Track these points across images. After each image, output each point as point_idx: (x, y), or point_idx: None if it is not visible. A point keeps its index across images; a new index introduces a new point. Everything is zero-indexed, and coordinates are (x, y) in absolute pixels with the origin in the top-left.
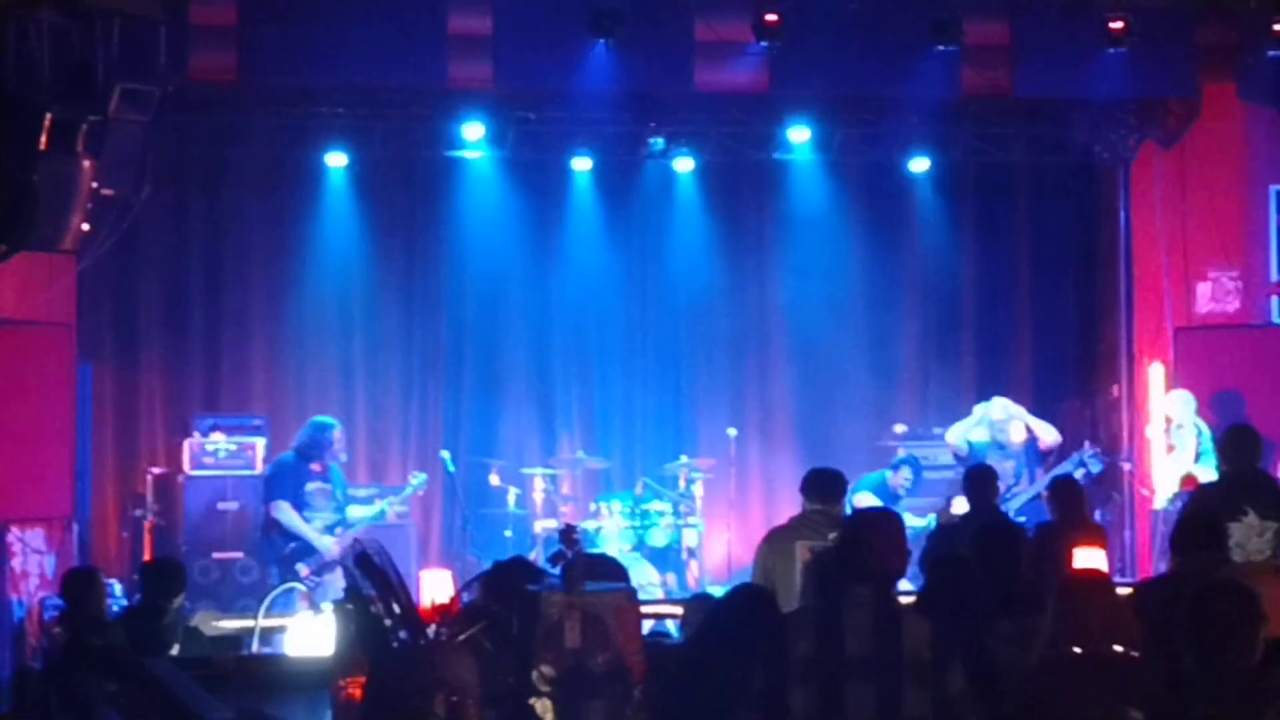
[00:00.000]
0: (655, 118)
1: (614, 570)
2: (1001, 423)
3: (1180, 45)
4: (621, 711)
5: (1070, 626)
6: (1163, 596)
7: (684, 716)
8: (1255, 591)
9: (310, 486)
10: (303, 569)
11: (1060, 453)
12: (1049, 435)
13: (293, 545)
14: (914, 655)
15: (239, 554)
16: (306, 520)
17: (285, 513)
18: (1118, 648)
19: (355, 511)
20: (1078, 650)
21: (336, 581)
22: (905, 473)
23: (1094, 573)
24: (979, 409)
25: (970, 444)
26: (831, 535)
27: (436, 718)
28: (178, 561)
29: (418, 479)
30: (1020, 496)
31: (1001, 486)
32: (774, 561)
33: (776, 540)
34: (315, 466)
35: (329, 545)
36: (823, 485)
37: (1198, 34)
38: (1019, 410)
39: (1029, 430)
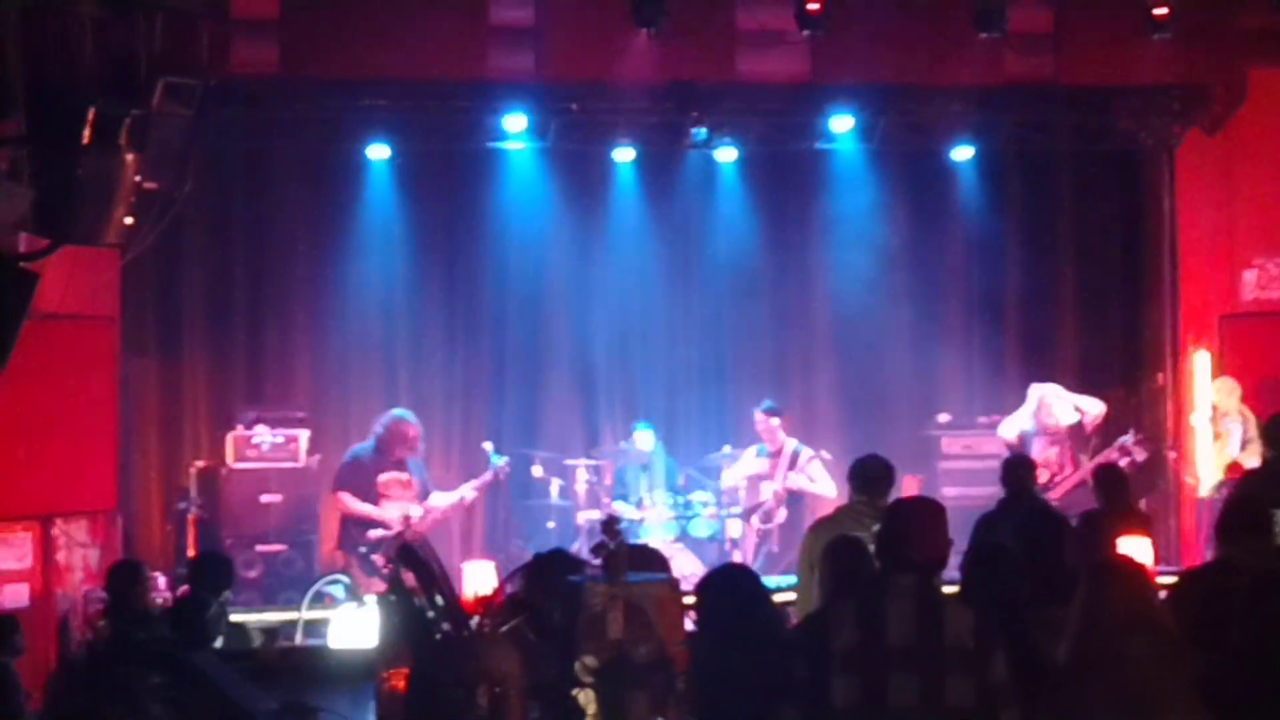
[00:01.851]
0: (697, 108)
1: (655, 560)
2: (1044, 407)
3: (1225, 31)
4: (665, 702)
5: (1096, 616)
6: (1210, 584)
7: (714, 705)
8: None
9: (383, 477)
10: (378, 559)
11: (1104, 441)
12: (1094, 407)
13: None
14: (957, 645)
15: (282, 546)
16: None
17: (343, 502)
18: (1146, 638)
19: (437, 500)
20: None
21: None
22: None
23: (1122, 559)
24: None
25: (1017, 434)
26: (876, 527)
27: (480, 709)
28: (225, 556)
29: (498, 458)
30: (1062, 485)
31: (1044, 475)
32: (818, 553)
33: (821, 531)
34: (389, 459)
35: (395, 518)
36: (869, 476)
37: (1242, 19)
38: (1062, 393)
39: (1078, 412)
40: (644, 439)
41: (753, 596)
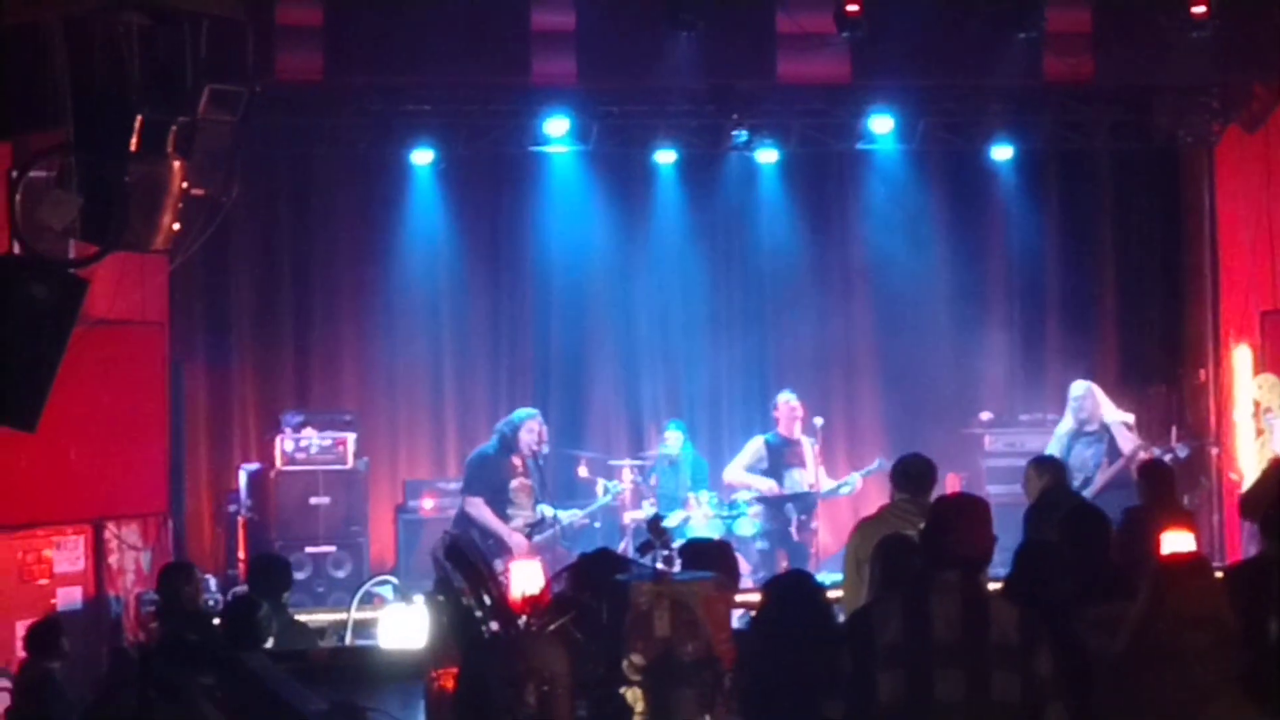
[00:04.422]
0: (738, 110)
1: (721, 556)
2: (1080, 402)
3: (1263, 28)
4: (712, 700)
5: (1162, 611)
6: (1253, 581)
7: (763, 702)
8: None
9: (514, 484)
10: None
11: (1146, 440)
12: (1125, 444)
13: (489, 543)
14: (1002, 640)
15: (331, 548)
16: (508, 518)
17: (478, 508)
18: (1208, 634)
19: (548, 512)
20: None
21: None
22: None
23: (1192, 555)
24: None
25: (1056, 435)
26: (921, 525)
27: (527, 707)
28: (283, 558)
29: (615, 487)
30: (1095, 486)
31: (1079, 478)
32: (865, 550)
33: (867, 531)
34: (516, 460)
35: (520, 544)
36: (913, 474)
37: None
38: (1103, 398)
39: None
40: (674, 439)
41: (816, 605)
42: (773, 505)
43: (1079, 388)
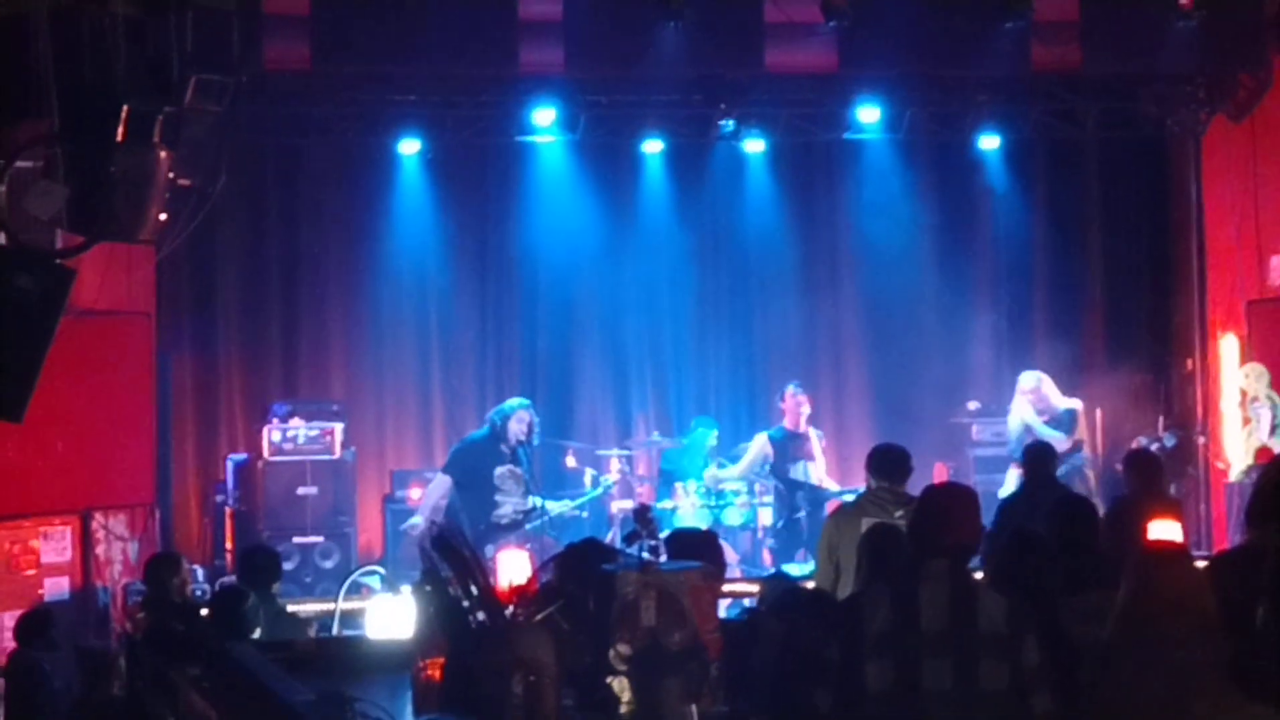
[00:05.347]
0: (725, 99)
1: (708, 545)
2: (1033, 394)
3: (1250, 18)
4: (698, 689)
5: (1145, 598)
6: (1239, 569)
7: (754, 691)
8: None
9: (502, 470)
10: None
11: (1135, 429)
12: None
13: (480, 528)
14: (990, 629)
15: (319, 538)
16: (495, 504)
17: (438, 484)
18: (1191, 621)
19: (536, 502)
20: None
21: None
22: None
23: (1170, 544)
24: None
25: (1026, 424)
26: (898, 513)
27: (514, 697)
28: (272, 549)
29: (605, 481)
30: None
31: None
32: (839, 539)
33: (842, 518)
34: (505, 449)
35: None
36: (889, 463)
37: (1267, 6)
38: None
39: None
40: (714, 437)
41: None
42: (783, 497)
43: (1030, 379)
